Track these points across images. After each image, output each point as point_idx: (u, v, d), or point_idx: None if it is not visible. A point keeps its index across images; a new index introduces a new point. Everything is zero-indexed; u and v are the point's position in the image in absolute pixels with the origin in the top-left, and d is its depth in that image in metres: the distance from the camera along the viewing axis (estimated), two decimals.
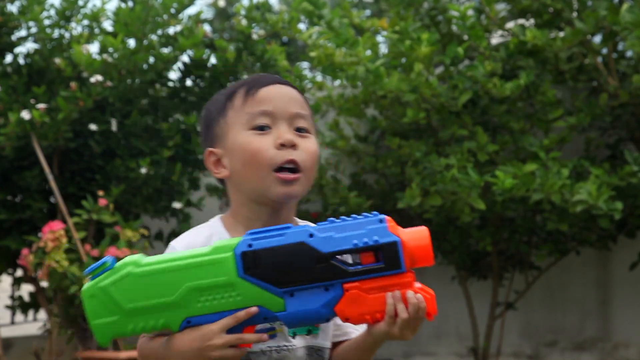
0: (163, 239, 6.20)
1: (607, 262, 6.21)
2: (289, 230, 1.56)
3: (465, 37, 5.29)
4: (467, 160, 4.86)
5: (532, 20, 5.44)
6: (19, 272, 6.23)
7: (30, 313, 7.26)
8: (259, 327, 1.59)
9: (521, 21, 5.51)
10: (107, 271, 1.56)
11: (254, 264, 1.54)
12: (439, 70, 5.49)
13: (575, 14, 5.19)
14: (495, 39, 5.82)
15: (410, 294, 1.55)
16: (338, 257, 1.55)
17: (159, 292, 1.54)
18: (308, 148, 1.65)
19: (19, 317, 7.49)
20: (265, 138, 1.63)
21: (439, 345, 6.58)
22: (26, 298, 6.31)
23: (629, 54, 5.34)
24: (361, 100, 5.32)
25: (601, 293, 6.25)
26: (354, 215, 1.57)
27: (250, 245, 1.55)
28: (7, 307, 6.64)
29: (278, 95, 1.66)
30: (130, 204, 5.85)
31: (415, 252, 1.56)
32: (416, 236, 1.57)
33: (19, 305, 6.33)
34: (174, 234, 6.16)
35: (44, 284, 5.68)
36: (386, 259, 1.54)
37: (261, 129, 1.64)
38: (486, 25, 5.31)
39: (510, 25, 5.52)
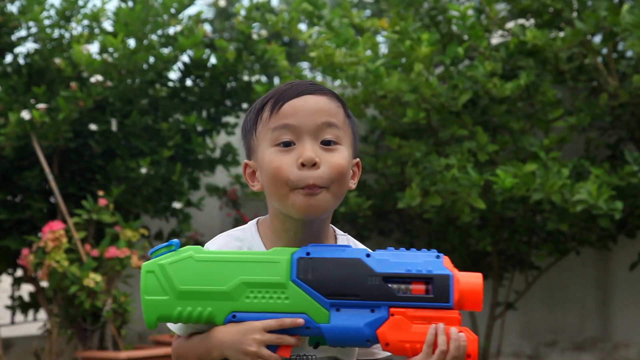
0: (163, 239, 6.20)
1: (607, 262, 6.21)
2: (347, 248, 1.60)
3: (465, 37, 5.29)
4: (467, 160, 4.86)
5: (532, 20, 5.44)
6: (19, 272, 6.23)
7: (30, 313, 7.26)
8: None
9: (521, 21, 5.51)
10: (170, 252, 1.60)
11: (308, 270, 1.57)
12: (439, 70, 5.49)
13: (575, 14, 5.19)
14: (495, 39, 5.82)
15: (453, 329, 1.55)
16: (391, 281, 1.57)
17: (212, 280, 1.57)
18: (333, 163, 1.59)
19: (19, 317, 7.49)
20: (288, 156, 1.59)
21: None
22: (26, 298, 6.31)
23: (629, 54, 5.34)
24: (361, 100, 5.32)
25: (601, 293, 6.25)
26: (413, 249, 1.60)
27: (308, 253, 1.58)
28: (7, 307, 6.64)
29: (302, 108, 1.60)
30: (130, 204, 5.85)
31: (465, 293, 1.57)
32: (470, 279, 1.58)
33: (19, 305, 6.33)
34: (174, 234, 6.16)
35: (44, 284, 5.68)
36: (436, 291, 1.56)
37: (286, 144, 1.60)
38: (486, 25, 5.31)
39: (510, 25, 5.52)
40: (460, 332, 1.55)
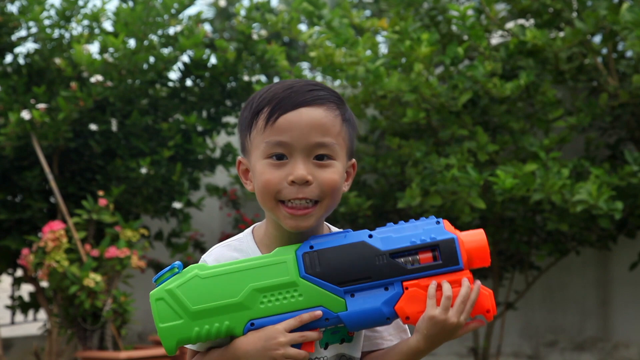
0: (163, 239, 6.20)
1: (607, 262, 6.21)
2: (348, 233, 1.59)
3: (465, 37, 5.29)
4: (467, 160, 4.86)
5: (532, 20, 5.44)
6: (19, 272, 6.23)
7: (30, 313, 7.26)
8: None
9: (521, 21, 5.51)
10: (174, 276, 1.59)
11: (315, 263, 1.57)
12: (439, 70, 5.49)
13: (575, 14, 5.19)
14: (495, 39, 5.82)
15: (464, 280, 1.56)
16: (398, 256, 1.57)
17: (223, 294, 1.56)
18: (325, 180, 1.59)
19: (19, 317, 7.49)
20: (279, 171, 1.59)
21: None
22: (26, 298, 6.31)
23: (629, 54, 5.34)
24: (361, 100, 5.32)
25: (601, 293, 6.25)
26: (412, 220, 1.60)
27: (311, 247, 1.58)
28: (7, 307, 6.64)
29: (298, 125, 1.58)
30: (130, 204, 5.86)
31: (472, 251, 1.58)
32: (473, 236, 1.60)
33: (19, 305, 6.33)
34: (174, 234, 6.16)
35: (44, 284, 5.68)
36: (444, 256, 1.57)
37: (278, 157, 1.59)
38: (486, 25, 5.31)
39: (510, 25, 5.52)
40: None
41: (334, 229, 1.73)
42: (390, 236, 1.58)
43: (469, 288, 1.56)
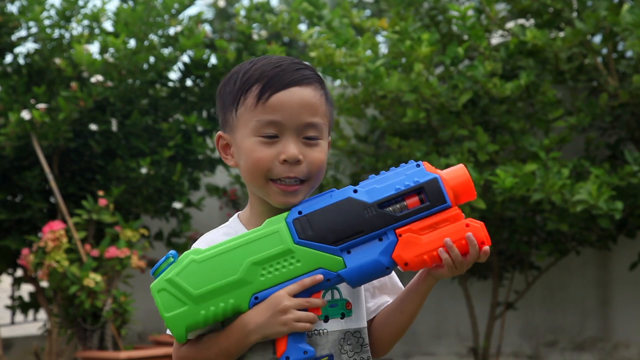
0: (163, 239, 6.20)
1: (607, 262, 6.21)
2: (333, 192, 1.61)
3: (465, 37, 5.29)
4: (467, 160, 4.86)
5: (532, 20, 5.44)
6: (19, 272, 6.23)
7: (30, 313, 7.26)
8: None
9: (521, 21, 5.51)
10: (170, 265, 1.60)
11: (307, 227, 1.58)
12: (439, 70, 5.49)
13: (575, 14, 5.19)
14: (495, 39, 5.82)
15: (469, 235, 1.58)
16: (386, 206, 1.59)
17: (222, 273, 1.58)
18: (314, 159, 1.63)
19: (19, 317, 7.49)
20: (270, 149, 1.61)
21: (439, 345, 6.58)
22: (26, 298, 6.31)
23: (629, 54, 5.34)
24: (361, 100, 5.32)
25: (601, 293, 6.25)
26: (392, 167, 1.61)
27: (300, 212, 1.59)
28: (7, 307, 6.64)
29: (289, 104, 1.61)
30: (130, 204, 5.86)
31: (456, 187, 1.60)
32: (455, 172, 1.61)
33: (19, 305, 6.33)
34: (174, 234, 6.17)
35: (44, 284, 5.68)
36: (430, 197, 1.58)
37: (268, 137, 1.61)
38: (486, 25, 5.31)
39: (510, 25, 5.52)
40: (468, 225, 1.58)
41: None
42: (374, 187, 1.59)
43: (474, 245, 1.58)
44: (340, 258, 1.58)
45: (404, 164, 1.61)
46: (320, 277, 1.57)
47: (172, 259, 1.60)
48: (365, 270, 1.58)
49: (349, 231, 1.58)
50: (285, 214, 1.60)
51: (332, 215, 1.58)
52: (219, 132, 1.69)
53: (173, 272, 1.58)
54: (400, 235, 1.58)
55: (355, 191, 1.59)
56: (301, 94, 1.62)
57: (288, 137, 1.61)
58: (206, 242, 1.67)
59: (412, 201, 1.59)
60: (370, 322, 1.73)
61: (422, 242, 1.58)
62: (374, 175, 1.61)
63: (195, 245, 1.67)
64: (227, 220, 1.77)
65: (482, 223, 1.60)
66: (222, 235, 1.69)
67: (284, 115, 1.61)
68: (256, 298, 1.58)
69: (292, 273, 1.58)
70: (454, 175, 1.61)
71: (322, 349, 1.62)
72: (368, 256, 1.58)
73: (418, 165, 1.60)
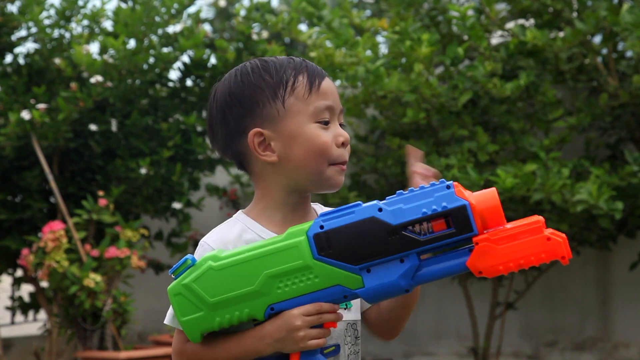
0: (163, 239, 6.20)
1: (607, 262, 6.21)
2: (358, 208, 1.57)
3: (465, 37, 5.29)
4: (467, 160, 4.86)
5: (532, 20, 5.44)
6: (19, 272, 6.23)
7: (30, 313, 7.26)
8: None
9: (521, 21, 5.51)
10: (189, 269, 1.59)
11: (327, 244, 1.56)
12: (439, 70, 5.49)
13: (575, 14, 5.19)
14: (495, 39, 5.82)
15: None
16: (409, 228, 1.55)
17: (239, 283, 1.57)
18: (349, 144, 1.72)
19: (19, 317, 7.49)
20: (328, 133, 1.67)
21: (439, 345, 6.58)
22: (26, 298, 6.31)
23: (629, 54, 5.34)
24: (361, 100, 5.32)
25: (601, 293, 6.25)
26: (422, 185, 1.57)
27: (322, 227, 1.56)
28: (7, 307, 6.64)
29: (333, 90, 1.70)
30: (130, 204, 5.86)
31: (485, 213, 1.55)
32: (485, 197, 1.56)
33: (19, 306, 6.33)
34: (174, 234, 6.16)
35: (44, 284, 5.68)
36: (457, 224, 1.54)
37: (325, 122, 1.67)
38: (486, 25, 5.31)
39: (510, 25, 5.52)
40: (549, 239, 1.53)
41: (313, 204, 1.75)
42: (400, 208, 1.55)
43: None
44: (360, 277, 1.56)
45: (434, 182, 1.56)
46: (340, 315, 1.59)
47: (190, 262, 1.59)
48: (384, 291, 1.56)
49: (370, 252, 1.55)
50: (306, 227, 1.57)
51: (354, 234, 1.55)
52: (255, 129, 1.67)
53: (190, 278, 1.58)
54: (476, 244, 1.54)
55: (380, 209, 1.55)
56: (333, 83, 1.72)
57: (335, 122, 1.69)
58: (217, 237, 1.67)
59: (439, 225, 1.55)
60: (372, 309, 1.74)
61: (499, 252, 1.54)
62: (402, 191, 1.57)
63: (205, 240, 1.67)
64: (227, 220, 1.76)
65: (564, 237, 1.54)
66: (235, 232, 1.68)
67: (334, 100, 1.69)
68: (272, 309, 1.57)
69: (309, 288, 1.57)
70: (484, 199, 1.55)
71: (329, 338, 1.63)
72: (388, 277, 1.55)
73: (448, 187, 1.54)
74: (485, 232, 1.55)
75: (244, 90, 1.68)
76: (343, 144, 1.67)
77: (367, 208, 1.56)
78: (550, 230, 1.54)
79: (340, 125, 1.70)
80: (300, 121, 1.65)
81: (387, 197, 1.57)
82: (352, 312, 1.69)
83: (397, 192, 1.57)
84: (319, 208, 1.76)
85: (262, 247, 1.58)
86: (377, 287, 1.56)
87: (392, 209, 1.55)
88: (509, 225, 1.56)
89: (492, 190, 1.56)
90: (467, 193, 1.55)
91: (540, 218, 1.55)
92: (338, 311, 1.59)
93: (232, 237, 1.67)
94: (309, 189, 1.69)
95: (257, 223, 1.69)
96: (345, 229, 1.55)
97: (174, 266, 1.60)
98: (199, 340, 1.59)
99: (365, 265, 1.55)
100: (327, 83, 1.69)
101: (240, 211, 1.73)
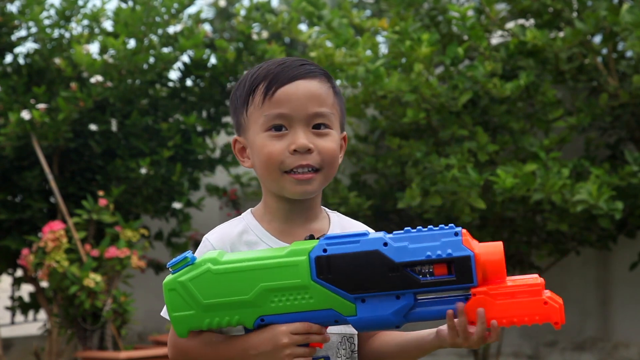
0: (163, 239, 6.20)
1: (607, 262, 6.21)
2: (364, 238, 1.58)
3: (465, 37, 5.29)
4: (467, 160, 4.86)
5: (532, 21, 5.44)
6: (19, 272, 6.22)
7: (30, 313, 7.26)
8: None
9: (521, 21, 5.51)
10: (187, 266, 1.60)
11: (327, 269, 1.57)
12: (439, 70, 5.49)
13: (575, 14, 5.19)
14: (495, 39, 5.82)
15: (480, 311, 1.56)
16: (411, 267, 1.57)
17: (235, 291, 1.58)
18: (324, 148, 1.65)
19: (19, 317, 7.49)
20: (280, 142, 1.64)
21: None
22: (26, 298, 6.31)
23: (629, 54, 5.34)
24: (361, 100, 5.32)
25: (601, 293, 6.25)
26: (430, 227, 1.58)
27: (325, 250, 1.57)
28: (7, 308, 6.64)
29: (296, 96, 1.64)
30: (130, 204, 5.85)
31: (488, 266, 1.56)
32: (490, 251, 1.57)
33: (19, 306, 6.33)
34: (174, 234, 6.16)
35: (44, 284, 5.68)
36: (458, 273, 1.55)
37: (277, 129, 1.64)
38: (486, 25, 5.31)
39: (510, 25, 5.52)
40: (546, 304, 1.54)
41: (329, 210, 1.76)
42: (406, 246, 1.56)
43: (483, 325, 1.56)
44: (354, 305, 1.57)
45: (443, 226, 1.57)
46: (328, 337, 1.60)
47: (189, 260, 1.60)
48: (375, 323, 1.58)
49: (369, 284, 1.56)
50: (310, 247, 1.58)
51: (355, 264, 1.56)
52: (235, 137, 1.72)
53: (187, 277, 1.59)
54: (473, 295, 1.56)
55: (385, 244, 1.56)
56: (307, 85, 1.66)
57: (297, 129, 1.64)
58: (218, 235, 1.70)
59: (440, 269, 1.56)
60: (367, 337, 1.75)
61: (495, 308, 1.56)
62: (410, 229, 1.58)
63: (207, 236, 1.70)
64: (227, 220, 1.78)
65: (561, 303, 1.56)
66: (234, 228, 1.70)
67: (291, 107, 1.64)
68: (262, 320, 1.59)
69: (303, 307, 1.58)
70: (489, 252, 1.56)
71: (319, 350, 1.64)
72: (381, 311, 1.57)
73: (456, 234, 1.56)
74: (484, 286, 1.56)
75: (232, 97, 1.73)
76: (296, 151, 1.63)
77: (372, 240, 1.57)
78: (548, 293, 1.56)
79: (317, 127, 1.65)
80: (255, 131, 1.67)
81: (395, 232, 1.58)
82: (347, 325, 1.67)
83: (405, 229, 1.57)
84: (336, 217, 1.76)
85: (263, 259, 1.59)
86: (369, 319, 1.57)
87: (397, 245, 1.56)
88: (510, 281, 1.57)
89: (499, 245, 1.57)
90: (474, 243, 1.56)
91: (541, 280, 1.56)
92: (326, 333, 1.60)
93: (233, 236, 1.69)
94: (281, 195, 1.68)
95: (259, 224, 1.71)
96: (348, 257, 1.56)
97: (173, 260, 1.61)
98: (185, 336, 1.60)
99: (361, 296, 1.57)
100: (289, 89, 1.64)
101: (248, 210, 1.76)
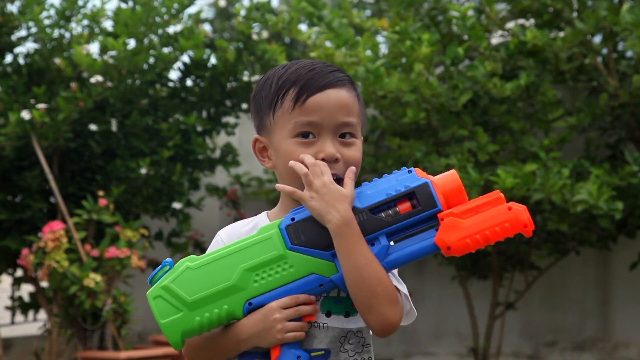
0: (163, 239, 6.20)
1: (607, 262, 6.21)
2: None
3: (466, 37, 5.29)
4: (468, 160, 4.86)
5: (532, 20, 5.44)
6: (19, 272, 6.22)
7: (30, 313, 7.26)
8: None
9: (521, 21, 5.51)
10: (166, 273, 1.62)
11: (299, 233, 1.60)
12: (439, 70, 5.49)
13: (575, 14, 5.19)
14: (495, 39, 5.82)
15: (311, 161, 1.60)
16: (377, 211, 1.59)
17: (217, 279, 1.60)
18: (350, 157, 1.67)
19: (19, 317, 7.49)
20: (308, 149, 1.65)
21: (439, 345, 6.58)
22: (26, 298, 6.31)
23: (629, 54, 5.34)
24: None
25: (601, 293, 6.25)
26: (385, 174, 1.63)
27: (293, 219, 1.61)
28: (7, 307, 6.64)
29: (327, 105, 1.66)
30: (130, 204, 5.85)
31: (447, 191, 1.60)
32: (446, 178, 1.61)
33: (19, 306, 6.33)
34: (174, 234, 6.16)
35: (44, 284, 5.68)
36: (421, 201, 1.59)
37: (306, 136, 1.66)
38: (486, 25, 5.31)
39: (510, 25, 5.52)
40: (510, 209, 1.58)
41: None
42: (365, 193, 1.60)
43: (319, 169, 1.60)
44: (332, 263, 1.59)
45: (396, 170, 1.62)
46: (318, 308, 1.61)
47: (168, 267, 1.62)
48: None
49: None
50: (278, 221, 1.61)
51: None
52: (256, 136, 1.73)
53: (168, 279, 1.61)
54: (442, 220, 1.58)
55: None
56: (337, 95, 1.67)
57: (325, 137, 1.66)
58: (229, 230, 1.72)
59: (404, 206, 1.60)
60: None
61: (464, 226, 1.57)
62: (367, 182, 1.62)
63: (219, 232, 1.72)
64: (226, 220, 1.80)
65: (524, 206, 1.60)
66: (244, 227, 1.72)
67: (321, 116, 1.65)
68: (250, 304, 1.60)
69: (285, 279, 1.60)
70: (445, 180, 1.61)
71: (319, 342, 1.63)
72: None
73: (410, 171, 1.61)
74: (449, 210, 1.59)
75: (256, 95, 1.73)
76: (324, 160, 1.64)
77: None
78: (511, 202, 1.59)
79: (344, 137, 1.67)
80: (282, 135, 1.67)
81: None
82: (356, 320, 1.68)
83: (362, 183, 1.62)
84: None
85: (236, 243, 1.62)
86: None
87: (358, 194, 1.61)
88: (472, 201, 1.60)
89: (453, 172, 1.62)
90: (429, 175, 1.61)
91: (500, 192, 1.60)
92: (316, 303, 1.61)
93: (243, 232, 1.71)
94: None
95: (268, 222, 1.71)
96: (314, 218, 1.60)
97: (152, 274, 1.62)
98: (180, 344, 1.61)
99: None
100: (321, 97, 1.66)
101: (264, 212, 1.78)
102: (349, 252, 1.57)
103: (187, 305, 1.59)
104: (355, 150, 1.68)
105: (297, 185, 1.64)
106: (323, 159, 1.64)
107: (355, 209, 1.59)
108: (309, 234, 1.59)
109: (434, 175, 1.62)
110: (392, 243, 1.60)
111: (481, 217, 1.58)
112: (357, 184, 1.66)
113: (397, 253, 1.59)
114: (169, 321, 1.60)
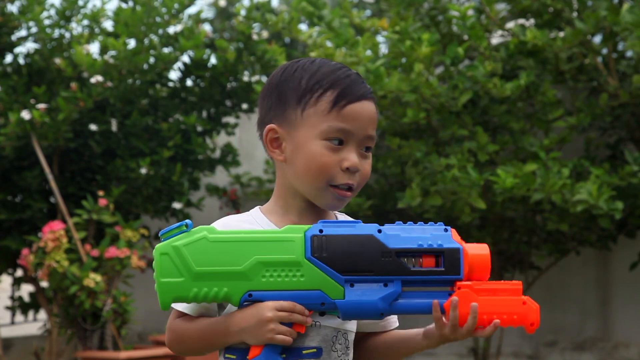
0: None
1: (607, 262, 6.21)
2: (358, 224, 1.62)
3: (466, 37, 5.29)
4: (468, 160, 4.86)
5: (532, 20, 5.44)
6: (19, 272, 6.23)
7: (30, 313, 7.26)
8: None
9: (521, 21, 5.51)
10: (182, 233, 1.61)
11: (323, 248, 1.59)
12: (439, 70, 5.49)
13: (575, 14, 5.19)
14: (495, 39, 5.82)
15: (473, 305, 1.60)
16: (402, 256, 1.60)
17: (228, 260, 1.59)
18: (365, 171, 1.69)
19: (19, 317, 7.49)
20: (334, 155, 1.66)
21: None
22: (26, 298, 6.31)
23: (629, 54, 5.34)
24: None
25: (601, 293, 6.25)
26: (420, 222, 1.63)
27: (321, 231, 1.60)
28: (7, 307, 6.64)
29: (361, 116, 1.67)
30: (130, 204, 5.86)
31: (474, 264, 1.61)
32: (478, 250, 1.62)
33: (19, 306, 6.33)
34: None
35: (44, 284, 5.68)
36: (447, 264, 1.60)
37: (335, 141, 1.66)
38: (486, 25, 5.31)
39: (510, 25, 5.52)
40: (524, 304, 1.60)
41: (340, 215, 1.79)
42: (398, 235, 1.60)
43: (476, 311, 1.60)
44: (342, 288, 1.59)
45: (432, 223, 1.62)
46: (310, 320, 1.60)
47: (186, 228, 1.61)
48: (361, 308, 1.59)
49: (360, 267, 1.59)
50: (307, 227, 1.61)
51: (350, 246, 1.59)
52: (272, 125, 1.70)
53: (182, 242, 1.60)
54: (459, 288, 1.59)
55: (379, 231, 1.61)
56: (370, 107, 1.69)
57: (352, 147, 1.67)
58: (223, 222, 1.71)
59: (428, 261, 1.60)
60: (365, 337, 1.77)
61: (477, 303, 1.59)
62: (400, 222, 1.63)
63: (213, 224, 1.70)
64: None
65: (538, 306, 1.62)
66: (239, 222, 1.71)
67: (355, 126, 1.66)
68: (250, 295, 1.59)
69: (292, 285, 1.59)
70: (476, 253, 1.62)
71: (311, 340, 1.64)
72: (368, 296, 1.59)
73: (446, 230, 1.61)
74: (468, 281, 1.61)
75: (280, 84, 1.71)
76: (348, 169, 1.65)
77: (367, 226, 1.62)
78: (526, 297, 1.61)
79: (366, 149, 1.69)
80: (311, 134, 1.66)
81: (386, 224, 1.62)
82: (348, 322, 1.69)
83: (397, 222, 1.62)
84: (342, 217, 1.79)
85: (260, 233, 1.61)
86: (355, 303, 1.59)
87: (391, 233, 1.61)
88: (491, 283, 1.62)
89: (485, 247, 1.63)
90: (463, 242, 1.62)
91: (521, 284, 1.62)
92: (308, 317, 1.60)
93: (236, 225, 1.70)
94: (307, 198, 1.70)
95: (266, 218, 1.72)
96: (343, 238, 1.60)
97: (167, 228, 1.61)
98: (168, 306, 1.59)
99: (350, 279, 1.59)
100: (358, 107, 1.67)
101: (257, 207, 1.77)
102: (414, 351, 1.69)
103: (190, 274, 1.58)
104: (369, 165, 1.71)
105: (320, 184, 1.65)
106: (347, 168, 1.65)
107: (383, 247, 1.59)
108: (331, 252, 1.59)
109: (466, 243, 1.63)
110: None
111: (495, 301, 1.60)
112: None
113: (405, 301, 1.60)
114: (167, 282, 1.58)
